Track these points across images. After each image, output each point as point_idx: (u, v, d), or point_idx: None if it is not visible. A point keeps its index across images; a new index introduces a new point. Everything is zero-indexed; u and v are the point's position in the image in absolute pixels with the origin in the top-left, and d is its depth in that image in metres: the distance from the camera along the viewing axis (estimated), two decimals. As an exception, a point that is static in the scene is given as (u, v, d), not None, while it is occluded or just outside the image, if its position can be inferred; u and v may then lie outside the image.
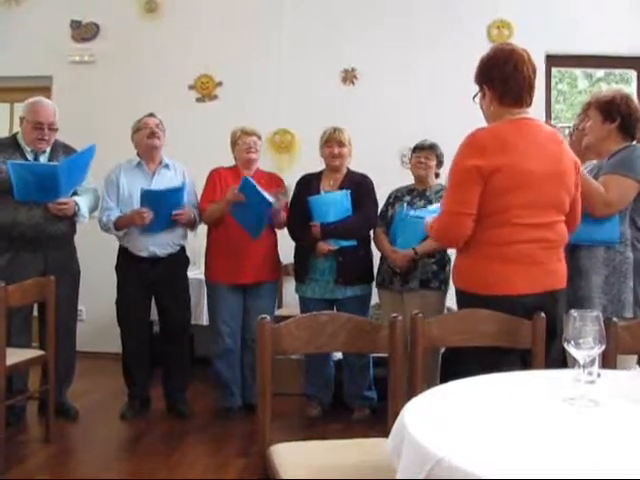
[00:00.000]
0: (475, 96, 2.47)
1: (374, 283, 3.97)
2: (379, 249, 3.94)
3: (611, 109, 2.75)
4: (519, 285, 2.31)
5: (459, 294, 2.46)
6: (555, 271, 2.40)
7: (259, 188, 3.71)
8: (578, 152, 2.70)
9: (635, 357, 2.56)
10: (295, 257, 4.03)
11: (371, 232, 3.96)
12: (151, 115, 3.94)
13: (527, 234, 2.30)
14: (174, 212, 3.78)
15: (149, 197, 3.73)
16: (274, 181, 4.00)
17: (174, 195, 3.79)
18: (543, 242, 2.34)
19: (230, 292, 3.90)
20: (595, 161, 2.87)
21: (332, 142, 3.89)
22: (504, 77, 2.36)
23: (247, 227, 3.77)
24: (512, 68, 2.35)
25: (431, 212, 3.49)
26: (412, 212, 3.73)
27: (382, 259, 3.94)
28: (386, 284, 3.88)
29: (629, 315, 2.61)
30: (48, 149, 3.74)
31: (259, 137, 4.00)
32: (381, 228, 3.93)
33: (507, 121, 2.36)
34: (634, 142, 2.81)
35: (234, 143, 3.97)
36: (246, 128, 3.95)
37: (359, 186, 3.89)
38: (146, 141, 3.87)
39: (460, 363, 2.37)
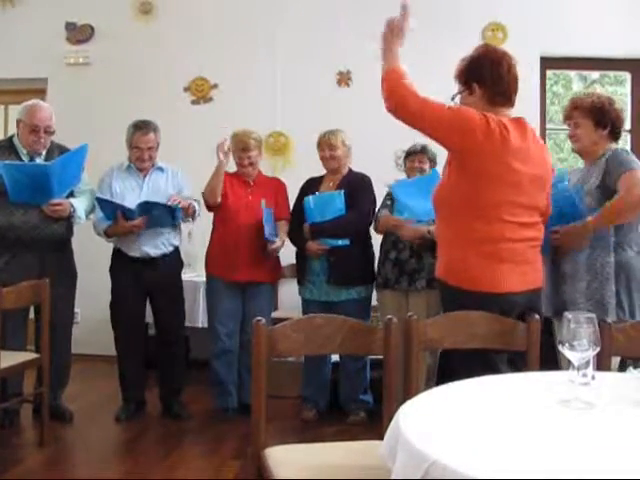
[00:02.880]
0: (456, 95, 2.48)
1: (374, 285, 3.92)
2: (387, 228, 3.82)
3: (602, 116, 2.83)
4: (512, 283, 2.33)
5: (445, 287, 2.45)
6: (540, 269, 2.46)
7: (267, 223, 3.77)
8: None
9: (618, 359, 2.57)
10: (295, 259, 4.04)
11: (369, 231, 3.94)
12: (146, 133, 3.82)
13: (519, 233, 2.34)
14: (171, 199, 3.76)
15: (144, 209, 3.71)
16: (275, 186, 4.03)
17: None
18: (532, 241, 2.39)
19: (228, 292, 3.90)
20: (579, 166, 2.93)
21: (323, 146, 3.92)
22: (498, 77, 2.38)
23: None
24: (506, 69, 2.39)
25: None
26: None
27: (384, 260, 3.85)
28: (391, 284, 3.79)
29: (612, 319, 2.62)
30: (44, 151, 3.74)
31: (259, 147, 3.95)
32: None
33: (508, 119, 2.36)
34: (614, 144, 2.90)
35: (232, 152, 3.92)
36: (248, 145, 3.88)
37: (355, 184, 3.91)
38: (136, 162, 3.88)
39: (455, 363, 2.38)
